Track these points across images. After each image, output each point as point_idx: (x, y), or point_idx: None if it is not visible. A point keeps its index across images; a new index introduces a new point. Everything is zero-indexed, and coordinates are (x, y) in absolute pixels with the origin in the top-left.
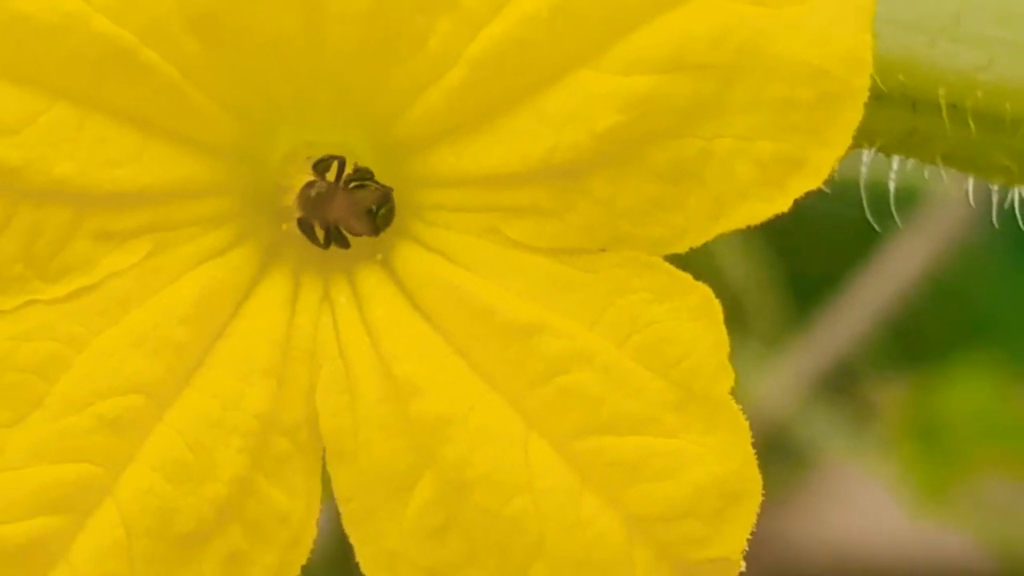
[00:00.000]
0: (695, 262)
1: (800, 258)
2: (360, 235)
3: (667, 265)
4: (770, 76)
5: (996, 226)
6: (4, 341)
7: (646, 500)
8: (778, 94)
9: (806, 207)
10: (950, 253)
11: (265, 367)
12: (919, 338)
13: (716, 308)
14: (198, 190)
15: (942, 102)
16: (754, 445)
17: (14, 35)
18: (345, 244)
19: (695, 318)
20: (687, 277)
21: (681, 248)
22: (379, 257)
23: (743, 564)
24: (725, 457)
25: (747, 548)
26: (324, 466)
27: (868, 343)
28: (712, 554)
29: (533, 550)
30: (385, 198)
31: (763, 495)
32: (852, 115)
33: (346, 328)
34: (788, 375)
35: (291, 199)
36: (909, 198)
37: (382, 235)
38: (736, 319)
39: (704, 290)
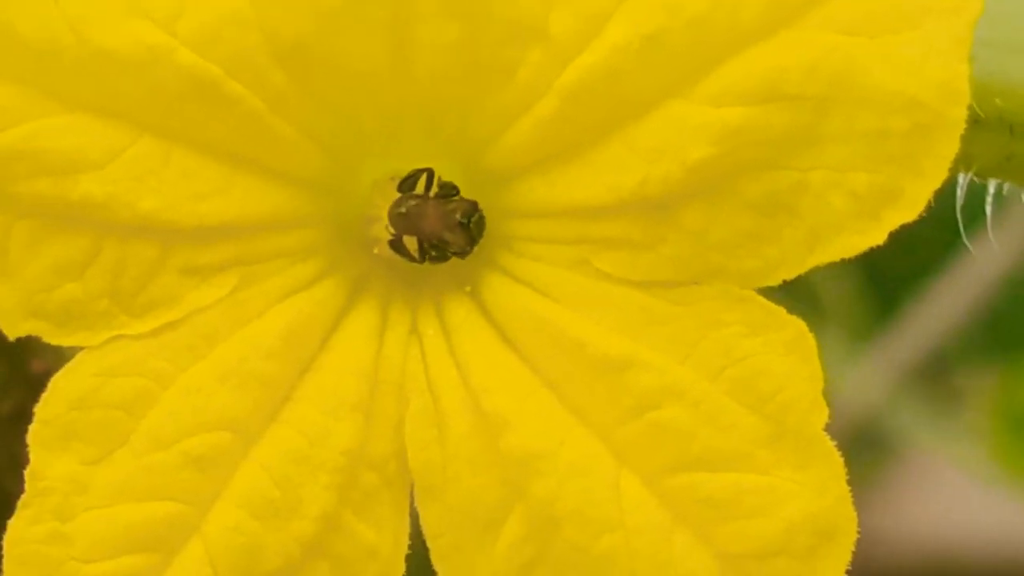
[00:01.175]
0: None
1: (891, 248)
2: (456, 249)
3: (760, 298)
4: (864, 106)
5: None
6: (90, 377)
7: (739, 537)
8: (872, 125)
9: None
10: None
11: (353, 401)
12: (1010, 327)
13: (810, 342)
14: (284, 223)
15: None
16: (844, 435)
17: (98, 70)
18: (444, 258)
19: (789, 352)
20: (781, 311)
21: (774, 281)
22: (467, 289)
23: None
24: (819, 494)
25: None
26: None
27: (958, 332)
28: None
29: None
30: (473, 208)
31: (852, 485)
32: (948, 146)
33: (435, 361)
34: (879, 365)
35: (379, 229)
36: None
37: (471, 267)
38: (827, 310)
39: (798, 324)
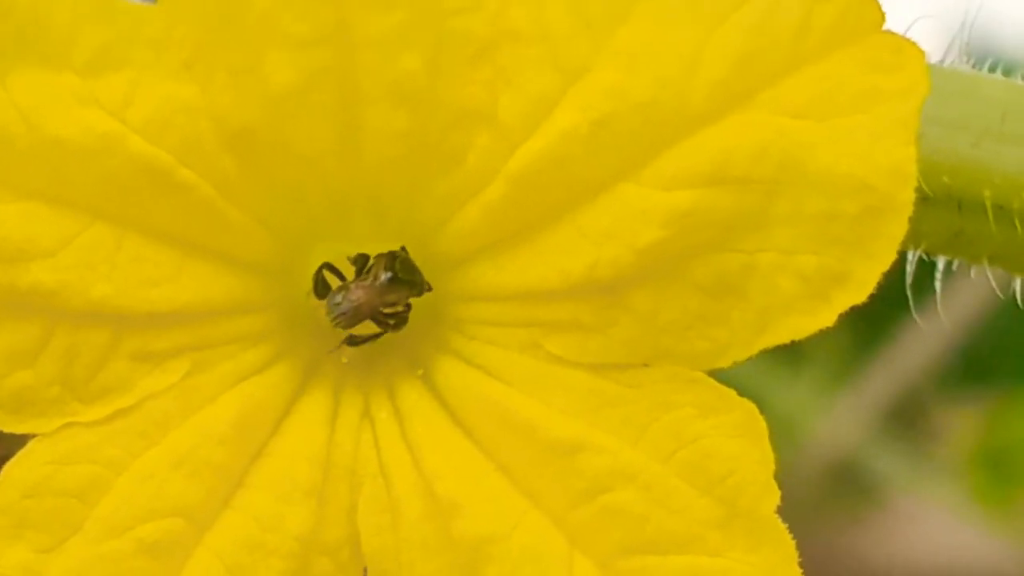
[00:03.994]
0: None
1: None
2: (406, 302)
3: (711, 380)
4: (812, 189)
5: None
6: (43, 465)
7: None
8: (821, 207)
9: None
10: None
11: (305, 487)
12: (988, 366)
13: (760, 424)
14: (236, 308)
15: (988, 203)
16: (824, 473)
17: (50, 158)
18: (404, 320)
19: (740, 434)
20: (731, 393)
21: (725, 363)
22: (419, 372)
23: None
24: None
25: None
26: None
27: (936, 372)
28: None
29: None
30: (392, 258)
31: (834, 523)
32: (897, 228)
33: (387, 445)
34: (858, 404)
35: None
36: None
37: (423, 350)
38: (806, 350)
39: (748, 406)
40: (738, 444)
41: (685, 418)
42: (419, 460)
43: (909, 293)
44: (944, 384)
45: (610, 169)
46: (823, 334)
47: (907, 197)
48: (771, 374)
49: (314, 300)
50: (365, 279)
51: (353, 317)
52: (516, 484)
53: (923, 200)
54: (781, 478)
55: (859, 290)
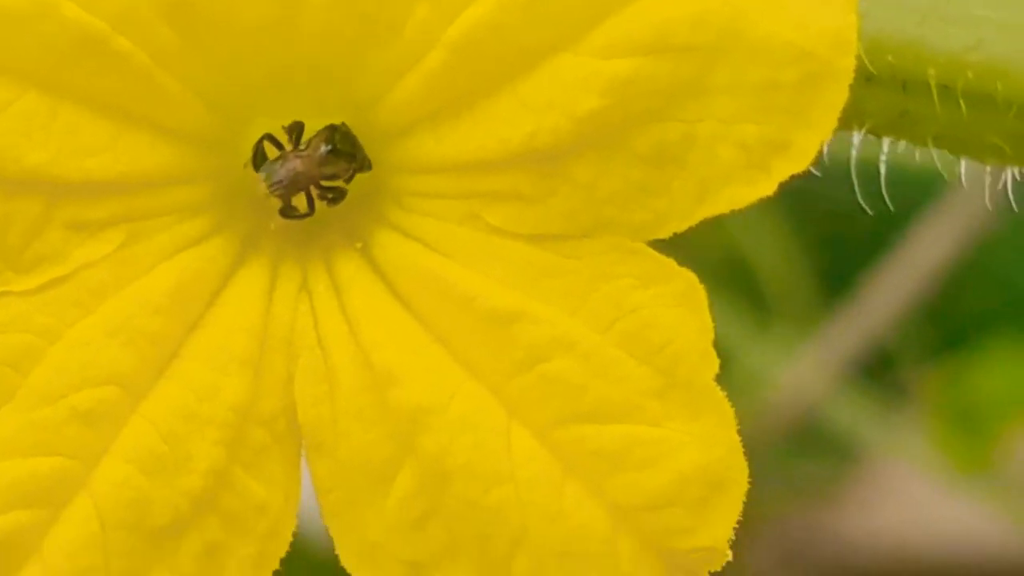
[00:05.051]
0: (723, 245)
1: (832, 240)
2: (346, 176)
3: (651, 251)
4: (753, 57)
5: (990, 207)
6: None
7: (629, 489)
8: (761, 76)
9: (835, 193)
10: (982, 232)
11: (242, 357)
12: (954, 319)
13: (701, 294)
14: (173, 179)
15: (932, 83)
16: (790, 429)
17: None
18: (342, 194)
19: (679, 304)
20: (671, 262)
21: (664, 233)
22: (358, 245)
23: (730, 553)
24: (709, 445)
25: (792, 537)
26: None
27: (902, 325)
28: (697, 543)
29: (515, 540)
30: (331, 130)
31: (801, 483)
32: (837, 96)
33: (324, 317)
34: (821, 359)
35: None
36: (936, 180)
37: (361, 223)
38: (769, 303)
39: (688, 275)
40: (677, 314)
41: (625, 288)
42: (356, 332)
43: (854, 175)
44: (912, 339)
45: (549, 38)
46: (790, 291)
47: (847, 64)
48: (737, 330)
49: (252, 172)
50: (304, 149)
51: (290, 187)
52: (454, 355)
53: (867, 79)
54: (748, 438)
55: (799, 159)
